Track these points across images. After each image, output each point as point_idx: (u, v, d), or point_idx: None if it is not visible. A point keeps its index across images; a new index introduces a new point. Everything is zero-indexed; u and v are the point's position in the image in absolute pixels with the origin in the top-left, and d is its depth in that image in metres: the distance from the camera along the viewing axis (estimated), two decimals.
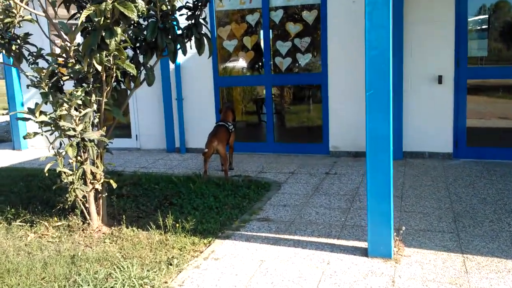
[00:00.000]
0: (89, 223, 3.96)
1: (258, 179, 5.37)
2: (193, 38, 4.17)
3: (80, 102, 3.61)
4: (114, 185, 3.88)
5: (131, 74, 3.82)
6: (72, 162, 3.71)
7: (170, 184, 5.14)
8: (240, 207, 4.37)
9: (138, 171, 6.00)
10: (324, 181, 5.19)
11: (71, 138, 3.69)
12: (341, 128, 6.26)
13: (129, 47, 3.94)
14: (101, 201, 4.02)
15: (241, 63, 6.94)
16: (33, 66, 3.95)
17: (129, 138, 7.50)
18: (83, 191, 3.79)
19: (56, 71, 3.93)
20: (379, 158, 2.99)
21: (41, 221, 4.09)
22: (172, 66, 6.82)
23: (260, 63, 6.81)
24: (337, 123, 6.27)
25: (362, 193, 4.63)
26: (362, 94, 6.42)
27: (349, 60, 6.03)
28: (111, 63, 3.53)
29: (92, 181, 3.90)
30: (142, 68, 4.05)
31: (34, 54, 4.04)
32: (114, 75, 3.65)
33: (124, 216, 4.19)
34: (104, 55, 3.27)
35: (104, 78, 3.60)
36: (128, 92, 4.15)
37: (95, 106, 3.71)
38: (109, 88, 3.72)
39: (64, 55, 3.76)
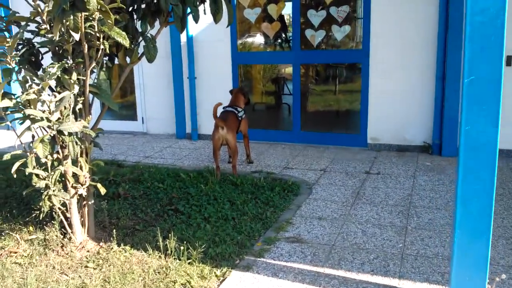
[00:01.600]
0: (70, 237, 3.10)
1: (283, 178, 4.44)
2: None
3: (54, 82, 2.70)
4: (103, 191, 2.99)
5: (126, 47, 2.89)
6: (47, 161, 2.83)
7: (177, 182, 4.24)
8: (262, 218, 3.46)
9: (141, 162, 5.12)
10: (366, 183, 4.23)
11: (46, 130, 2.80)
12: (382, 117, 5.25)
13: (123, 10, 3.00)
14: (86, 209, 3.14)
15: (264, 37, 5.94)
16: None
17: (134, 121, 6.61)
18: (63, 199, 2.91)
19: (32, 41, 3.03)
20: (479, 177, 2.02)
21: (11, 232, 3.23)
22: (183, 39, 5.86)
23: (287, 37, 5.80)
24: (378, 110, 5.26)
25: (418, 204, 3.67)
26: (411, 77, 5.44)
27: (397, 34, 4.98)
28: (96, 30, 2.59)
29: (74, 185, 3.01)
30: (140, 38, 3.10)
31: (5, 18, 3.10)
32: (102, 47, 2.70)
33: (117, 226, 3.32)
34: (79, 18, 2.33)
35: (86, 50, 2.66)
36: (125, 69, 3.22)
37: (76, 88, 2.79)
38: (94, 64, 2.79)
39: (37, 19, 2.84)
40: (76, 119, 2.92)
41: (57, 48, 2.82)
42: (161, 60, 6.14)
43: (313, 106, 5.92)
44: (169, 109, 6.27)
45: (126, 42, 2.57)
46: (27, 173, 2.75)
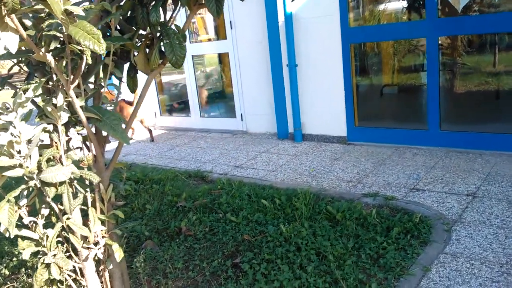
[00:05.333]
0: None
1: (407, 208, 3.08)
2: None
3: (25, 109, 1.86)
4: (119, 256, 2.11)
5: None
6: (38, 218, 2.04)
7: (256, 213, 3.19)
8: None
9: (228, 175, 4.20)
10: None
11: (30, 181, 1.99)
12: None
13: None
14: (107, 274, 2.30)
15: (384, 4, 4.45)
16: None
17: (233, 118, 5.74)
18: (61, 270, 2.11)
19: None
20: None
21: None
22: (281, 18, 4.70)
23: (418, 2, 4.23)
24: None
25: None
26: None
27: None
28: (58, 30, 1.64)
29: (86, 246, 2.18)
30: (157, 33, 2.07)
31: None
32: (85, 56, 1.74)
33: None
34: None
35: (53, 63, 1.73)
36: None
37: (65, 116, 1.91)
38: (75, 77, 1.85)
39: None
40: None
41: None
42: (258, 46, 5.12)
43: (458, 95, 4.27)
44: (270, 104, 5.23)
45: (100, 47, 1.55)
46: (7, 234, 1.98)
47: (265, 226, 2.99)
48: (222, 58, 5.85)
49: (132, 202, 3.65)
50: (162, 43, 2.01)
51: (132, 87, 2.30)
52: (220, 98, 6.11)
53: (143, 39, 2.14)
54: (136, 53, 2.15)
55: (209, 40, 5.94)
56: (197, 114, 6.06)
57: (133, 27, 2.05)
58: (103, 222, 2.22)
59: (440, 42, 4.03)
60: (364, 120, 4.65)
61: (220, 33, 5.74)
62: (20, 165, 1.84)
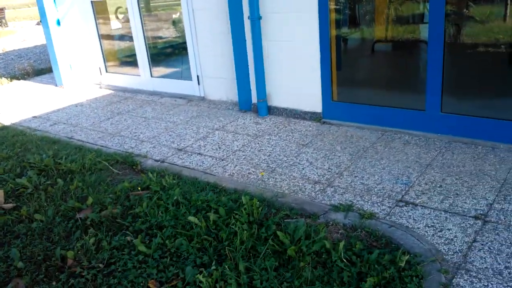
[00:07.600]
0: None
1: (390, 237, 2.17)
2: None
3: None
4: None
5: None
6: None
7: (179, 237, 2.25)
8: None
9: (164, 163, 3.24)
10: None
11: None
12: None
13: None
14: None
15: None
16: None
17: (188, 81, 4.67)
18: None
19: None
20: None
21: None
22: None
23: None
24: None
25: None
26: None
27: None
28: None
29: None
30: None
31: None
32: None
33: None
34: None
35: None
36: None
37: None
38: None
39: None
40: None
41: None
42: None
43: (468, 64, 3.23)
44: (232, 65, 4.16)
45: None
46: None
47: (184, 263, 2.07)
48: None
49: (25, 205, 2.70)
50: None
51: None
52: (176, 54, 5.01)
53: None
54: None
55: None
56: (147, 73, 4.99)
57: None
58: None
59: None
60: (344, 93, 3.64)
61: None
62: None
